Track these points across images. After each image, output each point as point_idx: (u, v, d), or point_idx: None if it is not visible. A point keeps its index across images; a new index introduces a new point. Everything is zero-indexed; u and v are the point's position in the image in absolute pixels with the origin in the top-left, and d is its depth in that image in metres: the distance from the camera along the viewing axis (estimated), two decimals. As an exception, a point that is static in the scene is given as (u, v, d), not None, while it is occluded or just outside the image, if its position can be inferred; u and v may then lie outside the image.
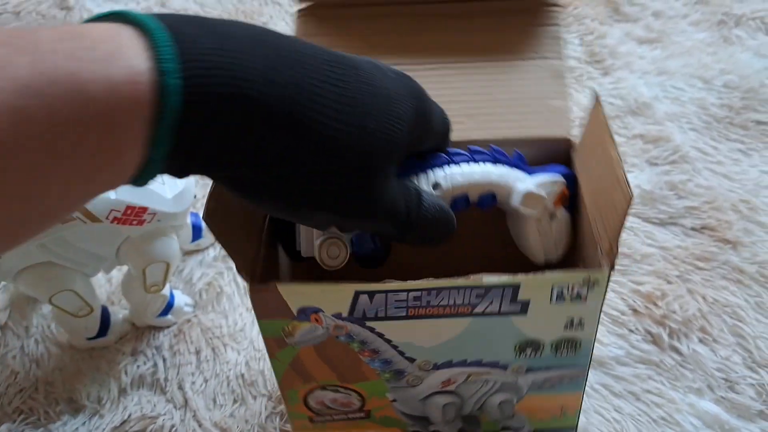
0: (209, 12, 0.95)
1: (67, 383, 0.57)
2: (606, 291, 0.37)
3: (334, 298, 0.37)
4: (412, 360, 0.41)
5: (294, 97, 0.27)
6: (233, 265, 0.64)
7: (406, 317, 0.38)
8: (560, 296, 0.37)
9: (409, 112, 0.33)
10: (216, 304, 0.62)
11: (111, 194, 0.47)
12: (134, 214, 0.49)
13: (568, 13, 0.89)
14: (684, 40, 0.85)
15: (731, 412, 0.53)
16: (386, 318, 0.38)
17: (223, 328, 0.60)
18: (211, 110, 0.25)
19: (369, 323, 0.38)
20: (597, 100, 0.41)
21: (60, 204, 0.24)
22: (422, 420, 0.47)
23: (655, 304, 0.59)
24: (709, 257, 0.63)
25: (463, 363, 0.42)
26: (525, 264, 0.44)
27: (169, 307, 0.59)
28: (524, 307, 0.38)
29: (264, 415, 0.54)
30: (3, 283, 0.62)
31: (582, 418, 0.52)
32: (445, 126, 0.38)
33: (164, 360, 0.58)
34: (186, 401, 0.56)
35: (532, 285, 0.36)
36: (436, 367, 0.42)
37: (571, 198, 0.43)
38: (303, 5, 0.48)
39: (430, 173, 0.39)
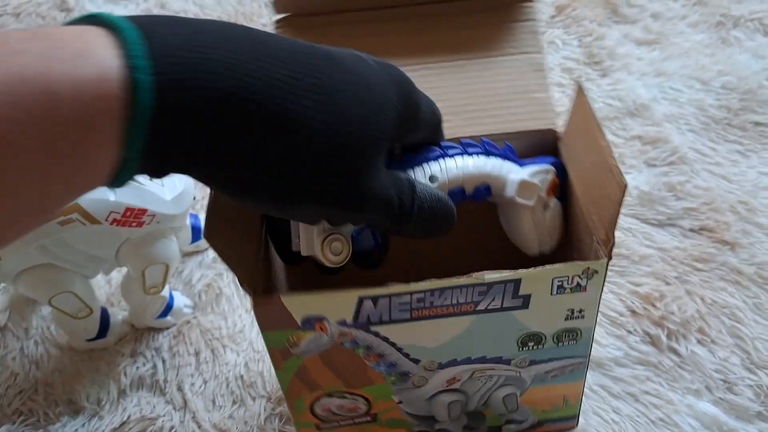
0: (209, 14, 0.95)
1: (66, 385, 0.57)
2: (605, 279, 0.38)
3: (338, 305, 0.37)
4: (417, 361, 0.41)
5: (269, 90, 0.27)
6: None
7: (410, 319, 0.38)
8: (561, 288, 0.38)
9: (393, 101, 0.32)
10: (215, 306, 0.62)
11: (110, 196, 0.48)
12: (133, 216, 0.49)
13: (567, 14, 0.89)
14: (682, 41, 0.85)
15: (729, 413, 0.53)
16: (390, 321, 0.38)
17: (223, 329, 0.60)
18: (184, 106, 0.25)
19: (373, 328, 0.38)
20: (580, 89, 0.41)
21: (35, 207, 0.24)
22: (428, 419, 0.47)
23: (654, 306, 0.59)
24: (707, 258, 0.63)
25: (468, 360, 0.42)
26: (521, 255, 0.44)
27: (168, 308, 0.59)
28: (526, 301, 0.38)
29: (263, 417, 0.54)
30: (3, 284, 0.63)
31: (581, 419, 0.53)
32: (435, 117, 0.38)
33: (163, 361, 0.58)
34: (185, 402, 0.56)
35: (532, 279, 0.37)
36: (441, 366, 0.42)
37: (561, 187, 0.43)
38: (280, 16, 0.48)
39: (426, 166, 0.38)
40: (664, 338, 0.57)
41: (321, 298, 0.36)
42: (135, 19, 0.25)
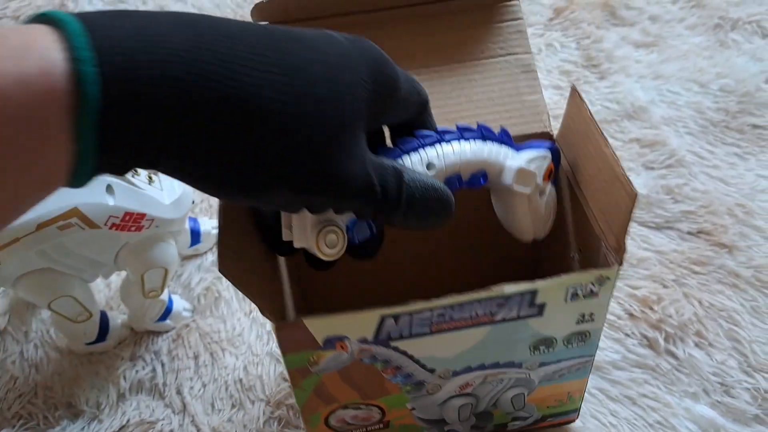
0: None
1: (66, 388, 0.57)
2: (615, 284, 0.38)
3: (359, 325, 0.36)
4: (432, 371, 0.41)
5: (223, 73, 0.26)
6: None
7: (430, 333, 0.38)
8: (575, 295, 0.38)
9: (364, 77, 0.31)
10: (214, 309, 0.62)
11: (109, 201, 0.48)
12: (132, 221, 0.50)
13: (565, 17, 0.89)
14: (680, 44, 0.85)
15: (727, 417, 0.53)
16: (410, 336, 0.38)
17: (222, 332, 0.60)
18: (133, 95, 0.24)
19: (393, 343, 0.38)
20: (574, 91, 0.41)
21: None
22: (439, 422, 0.47)
23: (651, 309, 0.59)
24: (705, 261, 0.63)
25: (482, 367, 0.42)
26: (517, 242, 0.44)
27: (167, 312, 0.60)
28: (541, 310, 0.38)
29: (262, 420, 0.55)
30: (2, 288, 0.63)
31: (578, 422, 0.53)
32: (419, 96, 0.36)
33: (163, 365, 0.59)
34: (184, 406, 0.56)
35: (548, 289, 0.37)
36: (455, 373, 0.42)
37: (555, 172, 0.43)
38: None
39: (422, 153, 0.37)
40: (661, 341, 0.57)
41: (343, 319, 0.36)
42: (81, 14, 0.25)
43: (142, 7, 0.98)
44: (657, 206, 0.68)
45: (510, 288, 0.36)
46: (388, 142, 0.39)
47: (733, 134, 0.75)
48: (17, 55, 0.23)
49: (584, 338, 0.42)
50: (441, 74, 0.47)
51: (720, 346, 0.57)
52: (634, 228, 0.66)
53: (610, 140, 0.74)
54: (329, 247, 0.35)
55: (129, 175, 0.49)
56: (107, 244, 0.51)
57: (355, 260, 0.38)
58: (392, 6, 0.48)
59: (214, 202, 0.70)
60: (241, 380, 0.57)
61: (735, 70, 0.81)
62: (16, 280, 0.51)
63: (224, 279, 0.64)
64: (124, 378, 0.58)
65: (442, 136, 0.38)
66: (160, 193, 0.52)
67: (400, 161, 0.36)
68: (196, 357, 0.59)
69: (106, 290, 0.64)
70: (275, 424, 0.54)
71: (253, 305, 0.61)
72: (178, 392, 0.57)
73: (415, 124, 0.38)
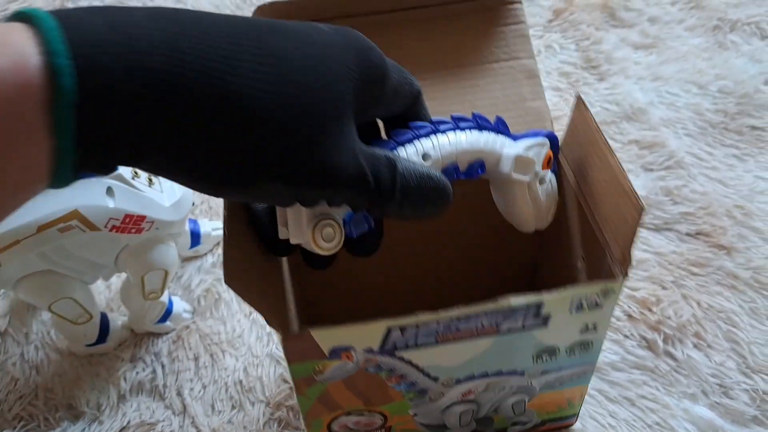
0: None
1: (66, 390, 0.57)
2: (619, 295, 0.39)
3: (366, 336, 0.37)
4: (436, 379, 0.41)
5: (204, 64, 0.26)
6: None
7: (435, 343, 0.38)
8: (579, 307, 0.38)
9: (351, 67, 0.30)
10: (214, 311, 0.63)
11: (110, 203, 0.48)
12: (133, 223, 0.50)
13: (564, 18, 0.89)
14: (679, 45, 0.85)
15: (725, 418, 0.53)
16: (416, 346, 0.38)
17: (222, 334, 0.61)
18: (109, 88, 0.24)
19: (398, 353, 0.38)
20: (579, 101, 0.41)
21: None
22: (440, 427, 0.47)
23: (650, 310, 0.60)
24: (703, 263, 0.63)
25: (484, 375, 0.42)
26: (517, 243, 0.44)
27: (167, 313, 0.60)
28: (545, 321, 0.38)
29: (262, 421, 0.55)
30: (3, 290, 0.63)
31: (578, 424, 0.53)
32: (411, 87, 0.36)
33: (163, 366, 0.59)
34: (185, 407, 0.56)
35: (554, 301, 0.37)
36: (458, 382, 0.42)
37: (554, 159, 0.43)
38: None
39: (418, 144, 0.36)
40: (660, 342, 0.57)
41: (350, 330, 0.36)
42: (57, 11, 0.25)
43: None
44: (656, 208, 0.68)
45: (516, 300, 0.36)
46: (384, 138, 0.38)
47: (731, 136, 0.75)
48: None
49: (586, 347, 0.42)
50: (444, 79, 0.47)
51: (718, 348, 0.57)
52: (633, 229, 0.66)
53: (609, 141, 0.74)
54: (326, 240, 0.34)
55: (129, 178, 0.50)
56: (107, 246, 0.51)
57: (355, 257, 0.38)
58: (395, 9, 0.47)
59: (215, 203, 0.71)
60: (241, 382, 0.57)
61: (734, 71, 0.81)
62: (16, 282, 0.51)
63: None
64: (125, 379, 0.58)
65: (437, 127, 0.37)
66: (160, 195, 0.52)
67: (395, 153, 0.35)
68: (196, 358, 0.59)
69: (106, 292, 0.64)
70: (275, 425, 0.54)
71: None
72: (179, 394, 0.57)
73: (408, 116, 0.37)
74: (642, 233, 0.66)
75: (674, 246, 0.65)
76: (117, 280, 0.64)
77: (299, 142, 0.28)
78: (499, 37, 0.47)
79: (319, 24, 0.31)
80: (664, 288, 0.61)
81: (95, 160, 0.26)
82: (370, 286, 0.57)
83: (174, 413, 0.56)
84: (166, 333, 0.61)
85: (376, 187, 0.32)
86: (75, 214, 0.47)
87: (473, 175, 0.39)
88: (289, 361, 0.38)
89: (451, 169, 0.38)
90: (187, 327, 0.61)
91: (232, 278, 0.33)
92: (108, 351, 0.60)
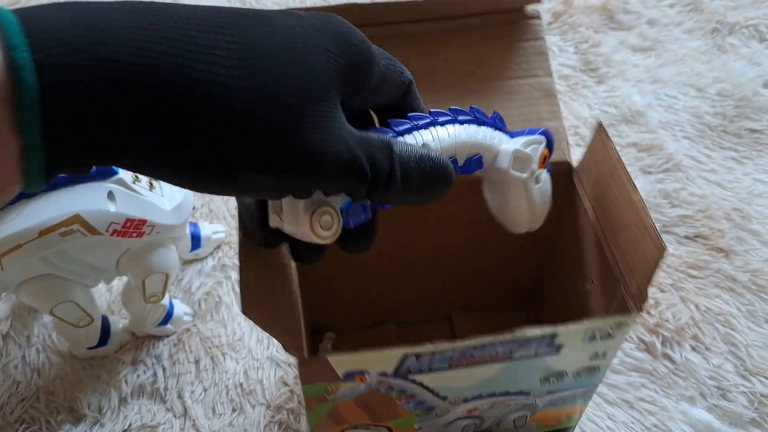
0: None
1: (68, 392, 0.58)
2: (632, 328, 0.39)
3: (381, 361, 0.37)
4: (444, 398, 0.42)
5: (172, 52, 0.25)
6: (232, 275, 0.65)
7: (449, 368, 0.38)
8: (592, 337, 0.38)
9: (331, 50, 0.29)
10: (215, 313, 0.63)
11: (111, 207, 0.48)
12: (134, 227, 0.50)
13: (563, 21, 0.89)
14: (678, 48, 0.86)
15: (723, 420, 0.54)
16: (429, 371, 0.38)
17: (222, 337, 0.61)
18: (73, 79, 0.23)
19: (411, 376, 0.39)
20: (600, 128, 0.41)
21: None
22: None
23: (649, 313, 0.60)
24: (702, 266, 0.63)
25: (492, 395, 0.43)
26: (521, 242, 0.44)
27: (168, 316, 0.60)
28: (558, 349, 0.39)
29: (263, 424, 0.55)
30: (4, 293, 0.63)
31: (576, 427, 0.53)
32: (402, 75, 0.34)
33: (164, 369, 0.59)
34: (185, 410, 0.56)
35: (568, 332, 0.37)
36: (465, 400, 0.42)
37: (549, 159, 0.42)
38: None
39: (417, 135, 0.35)
40: (658, 345, 0.58)
41: (366, 356, 0.36)
42: (19, 9, 0.24)
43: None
44: (654, 210, 0.68)
45: (532, 332, 0.36)
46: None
47: (730, 138, 0.75)
48: None
49: (593, 371, 0.42)
50: (461, 94, 0.46)
51: (717, 350, 0.58)
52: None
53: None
54: (324, 228, 0.32)
55: (130, 182, 0.50)
56: (109, 250, 0.52)
57: (348, 253, 0.36)
58: (413, 20, 0.46)
59: (215, 206, 0.71)
60: (241, 384, 0.58)
61: (732, 74, 0.81)
62: (18, 286, 0.51)
63: (224, 283, 0.64)
64: (126, 382, 0.58)
65: (436, 118, 0.36)
66: (161, 199, 0.52)
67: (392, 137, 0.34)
68: (196, 361, 0.59)
69: (107, 294, 0.65)
70: (276, 428, 0.55)
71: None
72: (179, 396, 0.57)
73: (402, 106, 0.36)
74: (640, 236, 0.66)
75: (672, 249, 0.65)
76: (118, 282, 0.64)
77: (275, 129, 0.27)
78: (517, 53, 0.46)
79: (297, 11, 0.30)
80: (662, 291, 0.62)
81: (68, 159, 0.25)
82: (375, 292, 0.57)
83: (175, 416, 0.56)
84: (167, 336, 0.61)
85: (373, 172, 0.30)
86: (76, 219, 0.47)
87: (470, 170, 0.38)
88: (303, 382, 0.38)
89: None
90: (188, 330, 0.61)
91: (248, 308, 0.32)
92: (109, 354, 0.60)
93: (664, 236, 0.66)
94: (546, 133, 0.41)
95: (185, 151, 0.26)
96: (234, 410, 0.56)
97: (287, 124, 0.27)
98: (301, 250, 0.35)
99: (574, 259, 0.47)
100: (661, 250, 0.35)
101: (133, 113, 0.24)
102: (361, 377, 0.38)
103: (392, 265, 0.54)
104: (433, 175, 0.33)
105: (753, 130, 0.76)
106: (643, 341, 0.58)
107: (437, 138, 0.36)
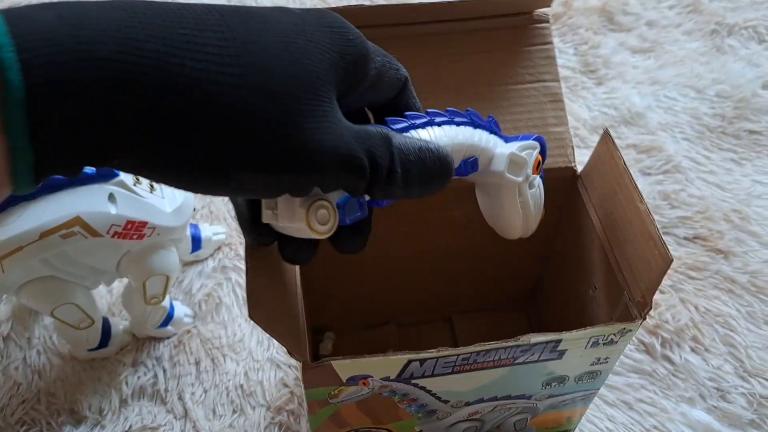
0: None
1: (68, 394, 0.58)
2: (635, 334, 0.39)
3: (385, 366, 0.37)
4: (446, 402, 0.42)
5: (162, 50, 0.24)
6: (233, 276, 0.65)
7: (452, 373, 0.38)
8: (595, 343, 0.39)
9: (323, 43, 0.28)
10: (215, 315, 0.63)
11: (111, 209, 0.48)
12: (134, 229, 0.50)
13: (563, 22, 0.90)
14: (677, 49, 0.86)
15: (723, 421, 0.54)
16: (432, 375, 0.38)
17: (222, 338, 0.61)
18: (60, 79, 0.23)
19: (414, 381, 0.39)
20: (606, 135, 0.41)
21: None
22: None
23: (648, 315, 0.60)
24: (701, 267, 0.64)
25: (494, 399, 0.43)
26: (523, 244, 0.43)
27: (169, 318, 0.60)
28: (561, 354, 0.39)
29: (263, 426, 0.55)
30: (5, 295, 0.63)
31: (576, 428, 0.53)
32: (398, 72, 0.34)
33: (164, 371, 0.59)
34: (186, 412, 0.56)
35: (571, 339, 0.38)
36: (468, 404, 0.43)
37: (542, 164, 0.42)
38: None
39: (414, 134, 0.35)
40: (658, 346, 0.58)
41: (370, 362, 0.36)
42: (5, 9, 0.24)
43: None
44: (654, 212, 0.68)
45: (536, 338, 0.36)
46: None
47: (729, 140, 0.75)
48: None
49: (595, 376, 0.43)
50: (468, 98, 0.45)
51: (716, 352, 0.58)
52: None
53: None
54: (321, 223, 0.31)
55: (131, 184, 0.50)
56: (109, 252, 0.52)
57: (341, 254, 0.35)
58: (421, 21, 0.45)
59: (215, 208, 0.71)
60: (242, 386, 0.58)
61: (731, 75, 0.81)
62: (19, 288, 0.51)
63: (225, 284, 0.65)
64: (126, 384, 0.58)
65: (432, 118, 0.35)
66: (162, 201, 0.52)
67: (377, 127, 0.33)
68: (197, 363, 0.59)
69: (108, 296, 0.65)
70: (276, 429, 0.55)
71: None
72: (180, 398, 0.57)
73: (398, 105, 0.35)
74: (640, 237, 0.67)
75: (672, 250, 0.65)
76: (119, 284, 0.64)
77: (274, 128, 0.26)
78: (525, 57, 0.46)
79: (290, 7, 0.30)
80: (662, 292, 0.62)
81: (59, 160, 0.24)
82: (375, 293, 0.57)
83: (175, 417, 0.56)
84: (168, 337, 0.61)
85: (372, 166, 0.29)
86: (77, 221, 0.47)
87: (466, 172, 0.37)
88: (306, 386, 0.38)
89: None
90: (189, 331, 0.61)
91: (255, 311, 0.32)
92: (110, 355, 0.60)
93: (663, 237, 0.66)
94: (540, 139, 0.40)
95: (184, 152, 0.25)
96: (234, 412, 0.56)
97: (286, 122, 0.26)
98: (293, 248, 0.34)
99: (576, 262, 0.47)
100: (667, 261, 0.35)
101: (122, 112, 0.24)
102: (365, 382, 0.38)
103: (393, 266, 0.54)
104: (434, 167, 0.32)
105: (752, 132, 0.76)
106: (642, 342, 0.58)
107: (435, 137, 0.35)
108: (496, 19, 0.46)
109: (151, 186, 0.52)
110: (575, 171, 0.46)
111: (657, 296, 0.61)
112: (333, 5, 0.76)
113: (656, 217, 0.68)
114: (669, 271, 0.63)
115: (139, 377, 0.59)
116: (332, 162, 0.28)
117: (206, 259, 0.67)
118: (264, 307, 0.34)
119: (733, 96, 0.79)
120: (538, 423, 0.48)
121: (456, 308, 0.60)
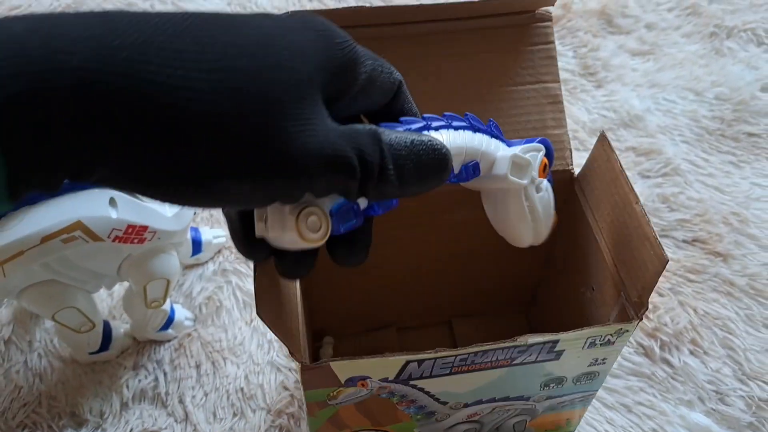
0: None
1: (69, 397, 0.58)
2: (632, 335, 0.39)
3: (383, 367, 0.37)
4: (445, 403, 0.42)
5: (133, 57, 0.24)
6: (233, 280, 0.65)
7: (450, 374, 0.39)
8: (592, 344, 0.39)
9: (307, 47, 0.28)
10: (216, 318, 0.63)
11: (112, 214, 0.48)
12: (135, 233, 0.50)
13: (562, 25, 0.90)
14: (676, 52, 0.86)
15: (721, 424, 0.54)
16: (430, 377, 0.39)
17: (223, 341, 0.61)
18: (29, 92, 0.22)
19: (413, 382, 0.39)
20: (603, 138, 0.41)
21: None
22: None
23: (647, 317, 0.60)
24: (700, 270, 0.64)
25: (492, 400, 0.43)
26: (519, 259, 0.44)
27: (169, 321, 0.60)
28: (558, 355, 0.39)
29: (263, 429, 0.55)
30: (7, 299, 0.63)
31: (576, 431, 0.54)
32: (390, 76, 0.32)
33: (165, 374, 0.59)
34: (187, 415, 0.57)
35: (569, 339, 0.38)
36: (466, 405, 0.43)
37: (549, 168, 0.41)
38: None
39: None
40: (657, 349, 0.58)
41: (369, 363, 0.36)
42: None
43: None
44: (653, 215, 0.68)
45: (534, 338, 0.37)
46: None
47: (728, 142, 0.76)
48: None
49: (592, 377, 0.43)
50: (468, 98, 0.45)
51: (715, 354, 0.58)
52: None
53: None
54: (312, 230, 0.30)
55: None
56: (110, 256, 0.52)
57: (343, 266, 0.34)
58: (420, 20, 0.44)
59: (216, 211, 0.71)
60: (242, 389, 0.58)
61: (730, 78, 0.81)
62: (20, 292, 0.51)
63: (225, 287, 0.65)
64: (127, 387, 0.58)
65: (429, 123, 0.34)
66: (162, 205, 0.52)
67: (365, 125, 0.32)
68: (197, 366, 0.60)
69: (108, 299, 0.65)
70: (276, 432, 0.55)
71: (254, 314, 0.62)
72: (181, 401, 0.57)
73: (392, 110, 0.34)
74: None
75: (671, 253, 0.65)
76: (119, 288, 0.64)
77: (253, 133, 0.25)
78: (526, 57, 0.45)
79: (270, 14, 0.29)
80: (660, 295, 0.62)
81: (34, 174, 0.24)
82: (375, 297, 0.57)
83: (176, 421, 0.56)
84: (168, 341, 0.61)
85: (362, 165, 0.28)
86: (78, 225, 0.47)
87: (467, 177, 0.36)
88: (305, 387, 0.38)
89: None
90: (189, 335, 0.62)
91: (262, 309, 0.32)
92: (110, 359, 0.60)
93: (662, 240, 0.67)
94: (545, 142, 0.39)
95: (164, 162, 0.25)
96: (235, 415, 0.56)
97: (265, 126, 0.26)
98: (288, 262, 0.32)
99: (575, 265, 0.48)
100: (663, 261, 0.35)
101: (104, 122, 0.23)
102: (363, 383, 0.38)
103: (392, 271, 0.54)
104: (429, 160, 0.30)
105: (751, 134, 0.76)
106: (641, 345, 0.59)
107: None
108: (498, 18, 0.45)
109: (152, 190, 0.52)
110: (572, 174, 0.46)
111: (656, 299, 0.61)
112: (332, 6, 0.76)
113: (655, 220, 0.68)
114: (668, 274, 0.64)
115: (139, 380, 0.59)
116: (318, 164, 0.27)
117: (207, 262, 0.67)
118: (270, 305, 0.34)
119: (732, 99, 0.79)
120: (537, 425, 0.48)
121: (455, 312, 0.60)
